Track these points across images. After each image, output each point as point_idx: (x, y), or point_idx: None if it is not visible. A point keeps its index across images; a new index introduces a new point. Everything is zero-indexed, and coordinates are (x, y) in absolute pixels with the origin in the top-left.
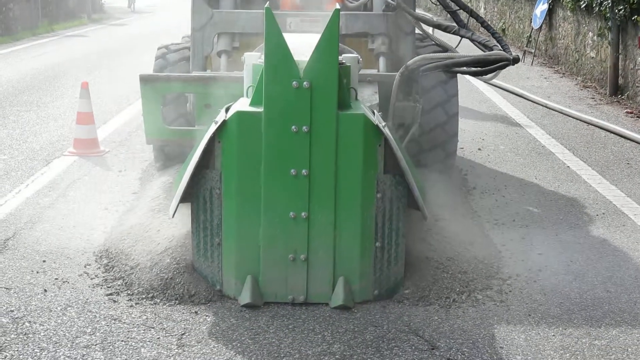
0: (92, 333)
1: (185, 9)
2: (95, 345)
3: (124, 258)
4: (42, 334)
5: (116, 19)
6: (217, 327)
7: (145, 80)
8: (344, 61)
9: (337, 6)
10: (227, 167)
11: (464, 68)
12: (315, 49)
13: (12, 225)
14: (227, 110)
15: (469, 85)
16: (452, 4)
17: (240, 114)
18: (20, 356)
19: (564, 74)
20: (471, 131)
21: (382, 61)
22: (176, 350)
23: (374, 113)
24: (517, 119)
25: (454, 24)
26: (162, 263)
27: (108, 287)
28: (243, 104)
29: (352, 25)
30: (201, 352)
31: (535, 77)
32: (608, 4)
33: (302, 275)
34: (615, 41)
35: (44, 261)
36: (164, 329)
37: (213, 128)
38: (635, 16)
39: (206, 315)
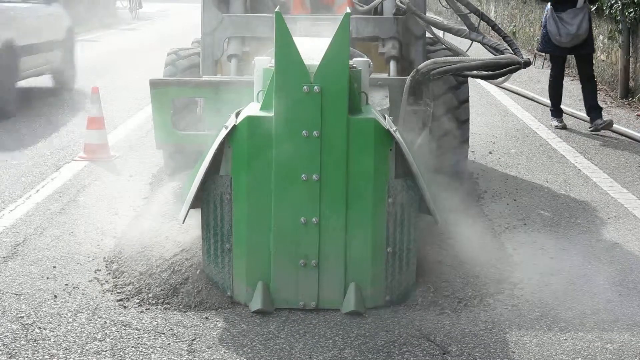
0: (102, 339)
1: (196, 13)
2: (106, 351)
3: (134, 264)
4: (52, 340)
5: (128, 24)
6: (228, 333)
7: (155, 84)
8: (354, 65)
9: (348, 10)
10: (238, 172)
11: (475, 72)
12: (326, 53)
13: (22, 230)
14: (237, 115)
15: (480, 89)
16: (463, 8)
17: (250, 119)
18: None
19: (574, 77)
20: (482, 134)
21: (392, 65)
22: (187, 356)
23: (384, 117)
24: (528, 122)
25: (465, 28)
26: (172, 269)
27: (118, 292)
28: (253, 109)
29: (363, 29)
30: (212, 357)
31: (546, 81)
32: (618, 6)
33: (313, 281)
34: (626, 44)
35: (54, 267)
36: (175, 334)
37: (223, 133)
38: None
39: (217, 321)
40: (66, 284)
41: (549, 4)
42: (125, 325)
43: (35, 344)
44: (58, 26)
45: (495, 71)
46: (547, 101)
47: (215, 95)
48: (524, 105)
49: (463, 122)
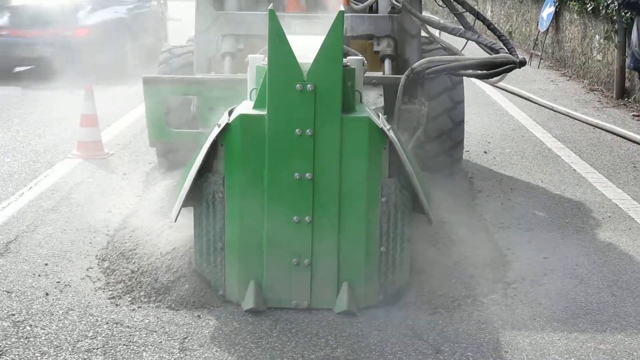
0: (93, 337)
1: (190, 11)
2: (97, 349)
3: (126, 262)
4: (43, 337)
5: None
6: (220, 331)
7: (148, 82)
8: (348, 63)
9: (342, 8)
10: (230, 170)
11: (470, 71)
12: (320, 51)
13: (15, 228)
14: (230, 113)
15: (475, 88)
16: (459, 7)
17: (243, 117)
18: None
19: (570, 77)
20: (477, 134)
21: (387, 64)
22: (178, 355)
23: (378, 116)
24: (523, 122)
25: (460, 27)
26: (164, 267)
27: (110, 290)
28: (246, 107)
29: (357, 27)
30: (203, 356)
31: (541, 80)
32: (615, 6)
33: (305, 280)
34: (622, 44)
35: (46, 264)
36: (166, 332)
37: (216, 131)
38: None
39: (209, 319)
40: (58, 282)
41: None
42: (116, 323)
43: (26, 342)
44: None
45: (491, 70)
46: (543, 101)
47: (209, 93)
48: (520, 105)
49: (458, 123)
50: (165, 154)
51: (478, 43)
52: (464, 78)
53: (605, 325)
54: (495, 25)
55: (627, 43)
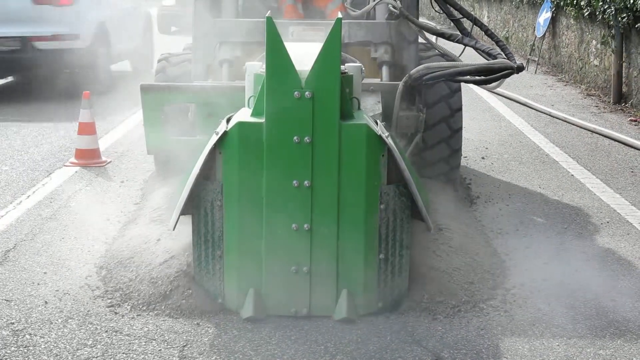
0: (93, 345)
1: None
2: (97, 357)
3: (125, 270)
4: (42, 346)
5: None
6: (219, 339)
7: (146, 90)
8: (346, 70)
9: (340, 15)
10: (228, 178)
11: (468, 77)
12: (317, 58)
13: (13, 236)
14: (228, 120)
15: (472, 94)
16: (456, 13)
17: (241, 125)
18: None
19: (567, 82)
20: (475, 140)
21: (385, 70)
22: None
23: (377, 123)
24: (520, 128)
25: (458, 33)
26: (163, 275)
27: (109, 298)
28: (244, 115)
29: (355, 34)
30: None
31: (538, 86)
32: (611, 12)
33: (305, 288)
34: (619, 49)
35: (45, 273)
36: (166, 340)
37: (214, 139)
38: (639, 24)
39: (208, 327)
40: (57, 290)
41: None
42: (116, 332)
43: (25, 350)
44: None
45: (489, 76)
46: (541, 106)
47: (207, 101)
48: (517, 111)
49: (456, 131)
50: (163, 162)
51: (475, 49)
52: (462, 84)
53: (604, 331)
54: (492, 31)
55: (623, 48)
